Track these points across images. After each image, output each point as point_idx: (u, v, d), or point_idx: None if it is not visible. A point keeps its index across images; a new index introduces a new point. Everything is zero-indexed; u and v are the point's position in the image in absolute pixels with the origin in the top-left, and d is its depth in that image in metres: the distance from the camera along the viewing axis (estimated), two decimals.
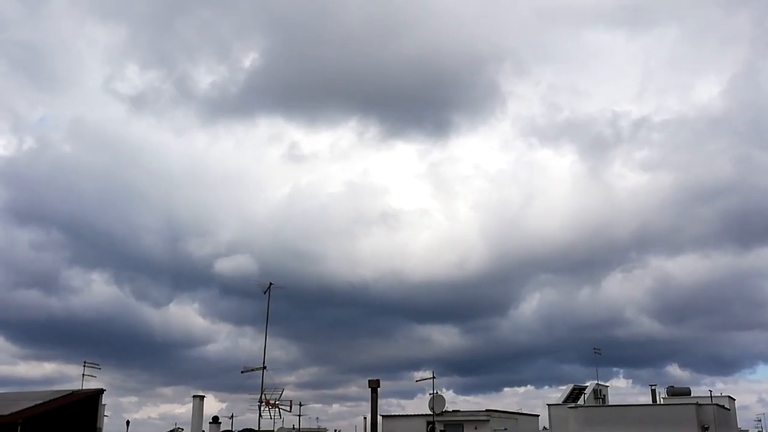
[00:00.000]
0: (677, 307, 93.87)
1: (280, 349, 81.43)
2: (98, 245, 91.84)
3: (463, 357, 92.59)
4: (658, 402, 45.09)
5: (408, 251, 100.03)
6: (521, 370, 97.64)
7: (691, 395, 45.30)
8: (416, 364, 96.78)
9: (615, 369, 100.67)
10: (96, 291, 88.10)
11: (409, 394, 77.37)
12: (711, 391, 44.02)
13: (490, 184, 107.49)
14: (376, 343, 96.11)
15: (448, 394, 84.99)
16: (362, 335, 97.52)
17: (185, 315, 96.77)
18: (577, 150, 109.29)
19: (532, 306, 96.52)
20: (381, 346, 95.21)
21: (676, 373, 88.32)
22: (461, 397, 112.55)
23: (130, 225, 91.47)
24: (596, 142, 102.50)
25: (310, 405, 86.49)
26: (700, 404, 39.11)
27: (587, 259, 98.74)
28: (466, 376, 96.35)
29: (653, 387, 46.43)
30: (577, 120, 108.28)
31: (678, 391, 46.78)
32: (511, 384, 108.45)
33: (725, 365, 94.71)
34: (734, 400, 46.85)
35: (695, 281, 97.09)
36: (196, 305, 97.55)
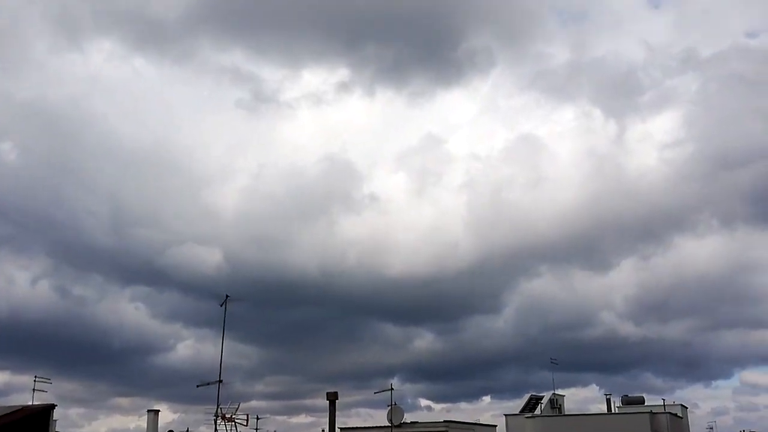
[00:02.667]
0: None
1: (242, 357, 77.84)
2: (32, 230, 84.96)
3: (442, 362, 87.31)
4: (612, 411, 45.71)
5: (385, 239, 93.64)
6: (502, 376, 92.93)
7: (645, 404, 45.99)
8: (391, 371, 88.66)
9: (585, 374, 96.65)
10: (39, 288, 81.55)
11: (381, 404, 75.24)
12: (664, 400, 45.06)
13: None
14: (347, 347, 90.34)
15: (423, 403, 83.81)
16: (333, 338, 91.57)
17: (139, 316, 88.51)
18: None
19: (521, 304, 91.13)
20: (353, 351, 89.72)
21: (650, 381, 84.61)
22: (440, 405, 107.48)
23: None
24: None
25: (272, 417, 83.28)
26: (654, 413, 39.83)
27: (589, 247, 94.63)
28: (446, 382, 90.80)
29: (608, 396, 47.29)
30: None
31: (632, 400, 47.51)
32: (492, 391, 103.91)
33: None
34: (687, 408, 47.80)
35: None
36: (147, 304, 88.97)
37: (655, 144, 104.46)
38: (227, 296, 31.17)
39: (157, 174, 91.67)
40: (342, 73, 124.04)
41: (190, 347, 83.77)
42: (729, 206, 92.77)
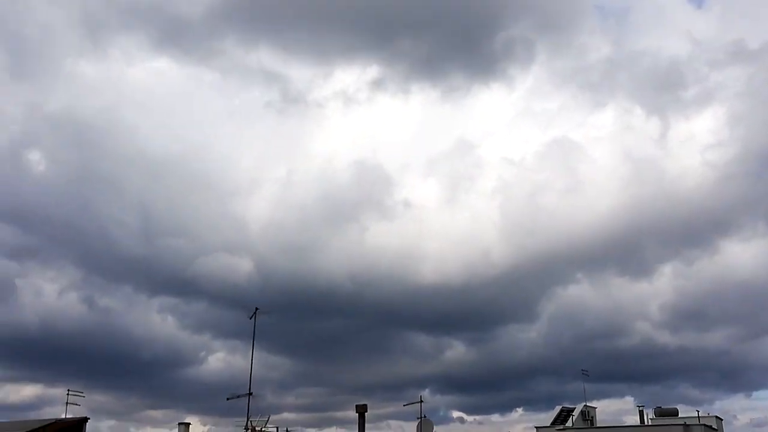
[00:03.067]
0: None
1: (272, 369, 77.41)
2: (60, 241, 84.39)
3: (474, 372, 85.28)
4: (645, 423, 45.07)
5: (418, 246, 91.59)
6: (535, 387, 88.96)
7: (679, 415, 45.29)
8: (423, 382, 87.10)
9: (620, 385, 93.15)
10: (68, 299, 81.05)
11: (412, 416, 73.69)
12: (698, 411, 44.23)
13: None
14: (378, 357, 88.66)
15: (455, 415, 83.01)
16: (364, 349, 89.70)
17: (168, 327, 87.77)
18: None
19: (556, 312, 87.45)
20: (384, 361, 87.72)
21: (687, 391, 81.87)
22: (472, 417, 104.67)
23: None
24: None
25: (302, 429, 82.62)
26: (688, 424, 39.18)
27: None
28: (478, 394, 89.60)
29: (641, 408, 46.59)
30: None
31: (665, 412, 46.78)
32: (525, 403, 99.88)
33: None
34: (722, 420, 46.94)
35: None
36: (178, 316, 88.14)
37: (698, 143, 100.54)
38: (257, 309, 31.47)
39: (185, 182, 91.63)
40: (374, 70, 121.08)
41: (221, 359, 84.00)
42: None
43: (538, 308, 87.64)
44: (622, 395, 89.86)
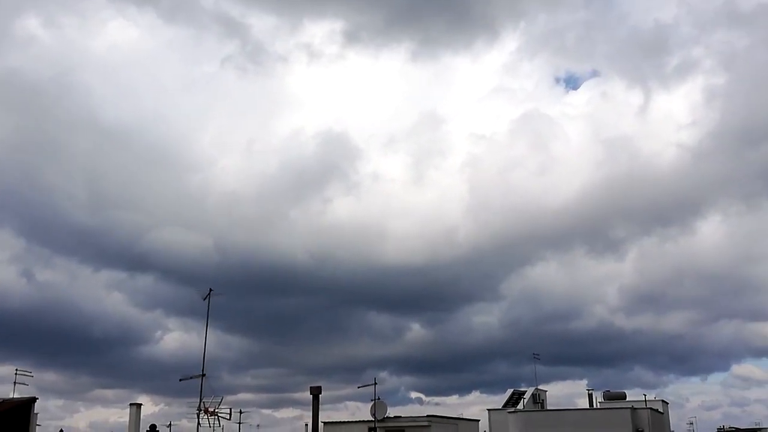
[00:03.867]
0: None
1: (228, 349, 77.22)
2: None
3: (434, 354, 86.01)
4: (594, 406, 46.01)
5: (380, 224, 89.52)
6: (493, 369, 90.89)
7: (627, 399, 46.31)
8: (383, 362, 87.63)
9: (576, 368, 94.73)
10: (7, 272, 78.55)
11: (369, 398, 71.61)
12: (645, 395, 45.47)
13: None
14: (337, 337, 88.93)
15: (414, 396, 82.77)
16: (323, 328, 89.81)
17: (119, 303, 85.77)
18: None
19: (518, 293, 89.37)
20: (343, 341, 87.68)
21: (641, 375, 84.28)
22: (432, 398, 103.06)
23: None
24: None
25: (257, 410, 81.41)
26: (635, 408, 40.14)
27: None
28: (436, 375, 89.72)
29: (590, 391, 47.61)
30: None
31: (614, 395, 47.78)
32: (483, 385, 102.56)
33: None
34: (668, 403, 48.19)
35: None
36: (129, 291, 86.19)
37: (676, 118, 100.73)
38: (210, 290, 31.12)
39: (137, 149, 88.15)
40: (345, 23, 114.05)
41: (175, 337, 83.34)
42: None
43: (501, 289, 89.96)
44: (579, 377, 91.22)
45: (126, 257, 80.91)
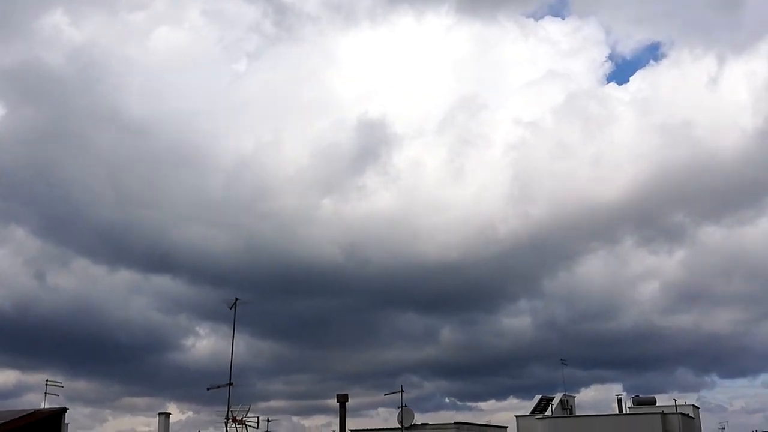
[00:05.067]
0: None
1: (257, 356, 74.40)
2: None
3: (471, 356, 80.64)
4: (624, 411, 45.52)
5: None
6: (532, 373, 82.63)
7: (657, 404, 45.79)
8: (416, 367, 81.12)
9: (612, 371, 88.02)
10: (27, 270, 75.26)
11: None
12: (675, 401, 44.85)
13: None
14: (369, 340, 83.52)
15: (447, 401, 79.65)
16: (354, 331, 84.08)
17: (145, 306, 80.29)
18: None
19: (560, 291, 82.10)
20: (375, 345, 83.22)
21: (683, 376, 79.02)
22: (468, 404, 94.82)
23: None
24: None
25: (284, 419, 79.47)
26: (665, 413, 39.66)
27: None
28: (473, 379, 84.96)
29: (619, 396, 47.14)
30: None
31: (643, 401, 47.31)
32: (520, 390, 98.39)
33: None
34: (698, 408, 47.53)
35: None
36: (155, 294, 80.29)
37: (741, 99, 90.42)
38: (237, 299, 31.19)
39: (162, 144, 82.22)
40: None
41: (204, 341, 79.75)
42: None
43: (542, 286, 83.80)
44: (616, 380, 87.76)
45: (150, 257, 77.15)
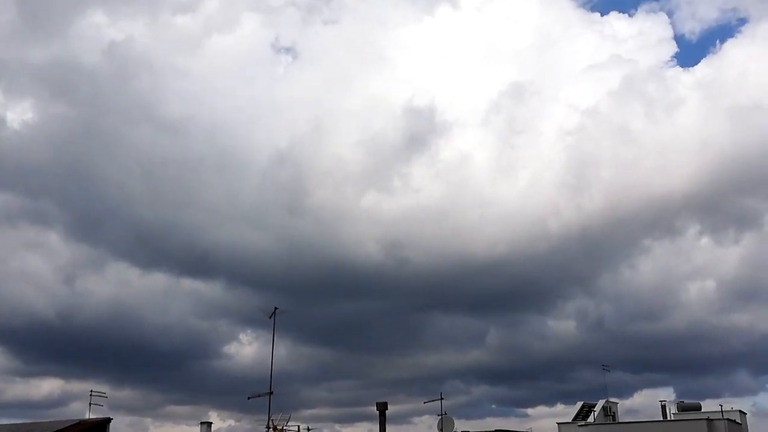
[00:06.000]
0: None
1: (299, 361, 72.61)
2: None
3: (516, 359, 77.46)
4: (668, 418, 44.71)
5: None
6: (580, 377, 76.33)
7: (702, 410, 44.89)
8: (465, 370, 78.26)
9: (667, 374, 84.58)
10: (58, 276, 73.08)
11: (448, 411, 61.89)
12: (722, 406, 43.83)
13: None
14: (414, 344, 79.75)
15: (494, 408, 77.59)
16: (399, 334, 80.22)
17: (185, 314, 77.82)
18: None
19: (618, 289, 77.24)
20: (420, 348, 79.83)
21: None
22: (515, 410, 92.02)
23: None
24: None
25: (330, 425, 77.97)
26: (711, 419, 38.86)
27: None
28: (520, 383, 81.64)
29: (663, 403, 46.21)
30: None
31: (689, 407, 46.35)
32: (572, 396, 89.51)
33: None
34: (745, 414, 46.46)
35: None
36: (194, 298, 77.94)
37: None
38: (276, 308, 31.44)
39: (198, 138, 79.98)
40: None
41: (245, 350, 78.34)
42: None
43: (597, 284, 79.86)
44: (668, 384, 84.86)
45: (186, 259, 75.17)
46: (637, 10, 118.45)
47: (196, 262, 74.27)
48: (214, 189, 77.52)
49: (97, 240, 78.26)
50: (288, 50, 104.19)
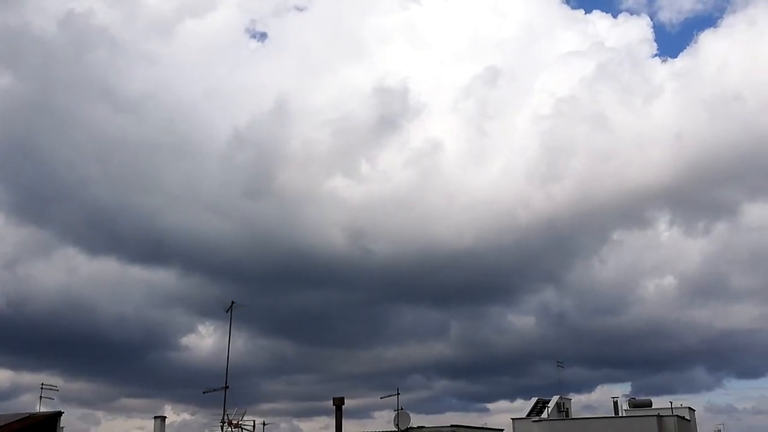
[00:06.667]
0: None
1: (256, 353, 70.74)
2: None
3: (477, 353, 76.16)
4: (619, 414, 45.52)
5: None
6: (540, 371, 75.83)
7: (653, 407, 45.78)
8: (424, 367, 76.91)
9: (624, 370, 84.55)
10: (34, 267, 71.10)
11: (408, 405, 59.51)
12: (671, 403, 44.79)
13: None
14: (376, 336, 78.90)
15: (455, 403, 76.15)
16: (360, 326, 79.45)
17: (140, 303, 74.66)
18: None
19: (581, 280, 77.15)
20: (383, 341, 78.87)
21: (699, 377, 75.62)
22: (476, 405, 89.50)
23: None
24: None
25: (288, 419, 77.35)
26: (661, 416, 39.69)
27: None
28: (481, 379, 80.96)
29: (615, 399, 47.05)
30: None
31: (639, 403, 47.27)
32: (529, 391, 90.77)
33: None
34: (694, 411, 47.54)
35: None
36: (149, 286, 75.21)
37: None
38: (233, 302, 31.25)
39: (149, 120, 76.82)
40: None
41: (199, 341, 76.56)
42: None
43: (563, 276, 79.56)
44: (626, 380, 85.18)
45: (141, 245, 72.66)
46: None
47: (148, 248, 72.43)
48: (172, 172, 75.42)
49: (44, 222, 75.31)
50: (260, 35, 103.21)
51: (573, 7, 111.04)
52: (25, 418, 31.85)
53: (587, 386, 75.19)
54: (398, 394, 35.69)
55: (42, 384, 33.61)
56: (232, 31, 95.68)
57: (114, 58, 77.86)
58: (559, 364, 47.18)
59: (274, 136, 77.96)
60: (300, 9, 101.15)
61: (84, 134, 72.91)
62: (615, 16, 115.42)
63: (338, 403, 34.19)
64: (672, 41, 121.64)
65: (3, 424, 30.51)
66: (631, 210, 79.99)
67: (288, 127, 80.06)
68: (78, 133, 73.11)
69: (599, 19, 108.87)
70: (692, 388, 79.38)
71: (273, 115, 79.54)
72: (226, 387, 29.91)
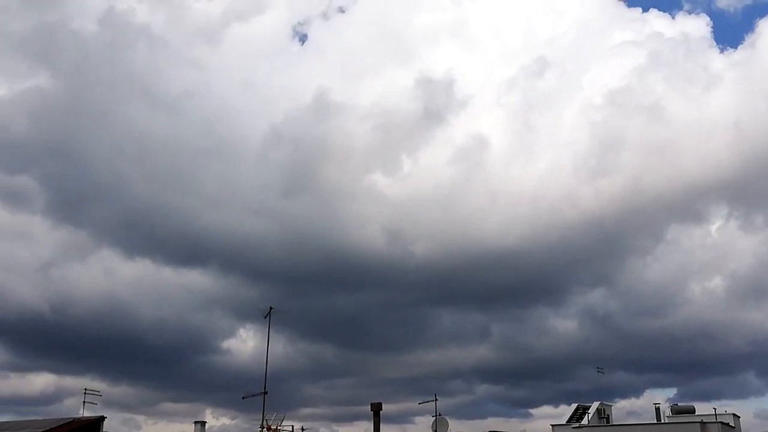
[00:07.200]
0: None
1: (295, 358, 70.11)
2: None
3: (520, 358, 74.51)
4: (662, 420, 44.79)
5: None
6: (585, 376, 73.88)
7: (696, 413, 44.96)
8: (467, 372, 75.47)
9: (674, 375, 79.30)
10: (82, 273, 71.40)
11: (449, 411, 56.51)
12: (715, 409, 43.94)
13: None
14: (417, 340, 77.10)
15: (498, 409, 75.32)
16: (402, 330, 77.68)
17: (179, 306, 74.66)
18: None
19: (634, 279, 74.08)
20: (423, 345, 76.83)
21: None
22: (519, 410, 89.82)
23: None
24: None
25: (326, 425, 76.03)
26: (705, 422, 38.95)
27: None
28: (525, 383, 78.52)
29: (657, 405, 46.32)
30: None
31: (682, 409, 46.45)
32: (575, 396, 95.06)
33: None
34: (739, 417, 46.54)
35: None
36: (189, 289, 74.99)
37: None
38: (271, 308, 31.39)
39: (196, 121, 77.21)
40: None
41: (240, 345, 75.78)
42: None
43: (613, 276, 77.03)
44: (673, 385, 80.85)
45: (178, 246, 72.59)
46: None
47: (188, 250, 72.06)
48: (210, 173, 75.07)
49: (81, 223, 74.91)
50: (302, 36, 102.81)
51: (629, 6, 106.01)
52: (69, 422, 32.38)
53: (633, 391, 73.08)
54: (436, 399, 35.59)
55: (85, 389, 34.16)
56: (278, 36, 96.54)
57: (154, 58, 77.78)
58: (599, 370, 46.60)
59: (312, 131, 76.55)
60: (343, 10, 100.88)
61: (122, 134, 73.06)
62: (673, 17, 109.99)
63: (376, 408, 34.15)
64: (731, 30, 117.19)
65: (48, 428, 31.06)
66: (686, 205, 77.40)
67: (326, 122, 78.39)
68: (116, 133, 73.22)
69: (656, 19, 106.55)
70: (741, 394, 76.49)
71: (311, 110, 77.98)
72: (265, 392, 30.07)
